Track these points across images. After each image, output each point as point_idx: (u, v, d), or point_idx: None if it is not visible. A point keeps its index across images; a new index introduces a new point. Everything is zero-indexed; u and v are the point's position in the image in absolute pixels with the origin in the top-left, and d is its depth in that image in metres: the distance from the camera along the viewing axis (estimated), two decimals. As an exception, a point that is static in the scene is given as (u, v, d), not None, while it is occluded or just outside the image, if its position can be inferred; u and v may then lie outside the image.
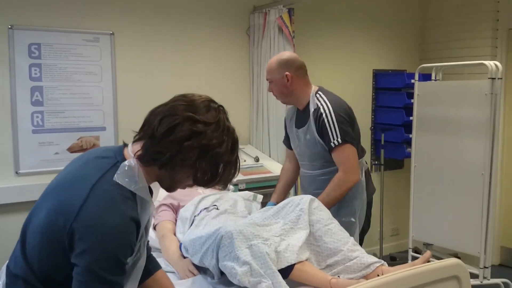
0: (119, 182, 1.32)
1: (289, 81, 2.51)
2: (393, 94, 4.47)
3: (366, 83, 4.58)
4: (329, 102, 2.49)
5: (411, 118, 3.89)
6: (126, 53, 3.32)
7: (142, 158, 1.36)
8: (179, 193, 2.60)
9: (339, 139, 2.42)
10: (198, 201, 2.44)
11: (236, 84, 3.82)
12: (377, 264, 1.96)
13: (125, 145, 1.43)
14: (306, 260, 1.97)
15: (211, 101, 1.44)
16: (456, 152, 3.56)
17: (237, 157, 1.43)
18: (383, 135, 4.33)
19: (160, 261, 2.24)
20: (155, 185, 1.46)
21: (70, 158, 3.12)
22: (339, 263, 1.99)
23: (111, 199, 1.30)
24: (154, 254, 2.38)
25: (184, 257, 2.15)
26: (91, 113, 3.22)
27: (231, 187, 3.02)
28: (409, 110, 4.06)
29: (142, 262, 1.52)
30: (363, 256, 1.98)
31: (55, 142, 3.12)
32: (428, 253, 1.98)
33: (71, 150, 3.18)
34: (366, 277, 1.92)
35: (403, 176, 4.68)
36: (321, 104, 2.49)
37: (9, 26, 2.89)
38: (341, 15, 4.31)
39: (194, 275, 2.06)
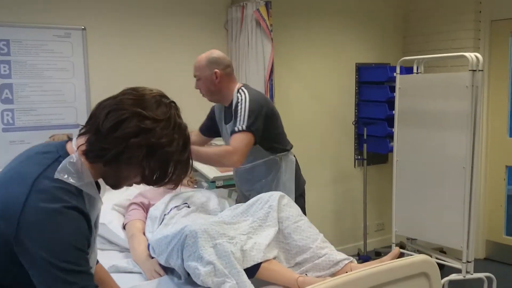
0: (60, 178, 1.24)
1: (217, 78, 2.54)
2: (376, 88, 4.42)
3: (349, 77, 4.53)
4: (248, 95, 2.52)
5: (394, 112, 3.84)
6: (99, 49, 3.25)
7: (86, 154, 1.29)
8: (150, 191, 2.56)
9: (244, 126, 2.41)
10: (169, 199, 2.39)
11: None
12: (346, 261, 1.92)
13: (69, 139, 1.36)
14: (274, 258, 1.92)
15: (162, 96, 1.37)
16: (438, 145, 3.52)
17: (189, 156, 1.36)
18: (365, 129, 4.28)
19: (129, 261, 2.19)
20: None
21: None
22: (308, 261, 1.95)
23: (52, 194, 1.22)
24: (123, 254, 2.35)
25: (152, 257, 2.09)
26: (64, 110, 3.15)
27: (205, 184, 2.96)
28: (392, 104, 4.00)
29: (93, 260, 1.45)
30: (332, 253, 1.94)
31: (27, 140, 3.05)
32: (396, 250, 1.94)
33: (44, 148, 3.10)
34: (335, 274, 1.89)
35: (387, 170, 4.63)
36: (241, 97, 2.52)
37: (-24, 23, 2.81)
38: (321, 7, 4.25)
39: (161, 275, 2.01)
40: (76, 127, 3.15)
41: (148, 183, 1.34)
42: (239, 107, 2.45)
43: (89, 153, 1.29)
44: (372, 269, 1.59)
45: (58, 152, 1.30)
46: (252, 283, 1.78)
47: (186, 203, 2.35)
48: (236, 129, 2.41)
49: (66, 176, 1.25)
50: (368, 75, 4.52)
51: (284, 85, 4.07)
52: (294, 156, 2.77)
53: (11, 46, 2.95)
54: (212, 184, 3.07)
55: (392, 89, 4.07)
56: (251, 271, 1.81)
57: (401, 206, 3.82)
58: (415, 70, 3.75)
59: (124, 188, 2.60)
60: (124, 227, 2.40)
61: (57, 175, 1.24)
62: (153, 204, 2.45)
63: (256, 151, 2.55)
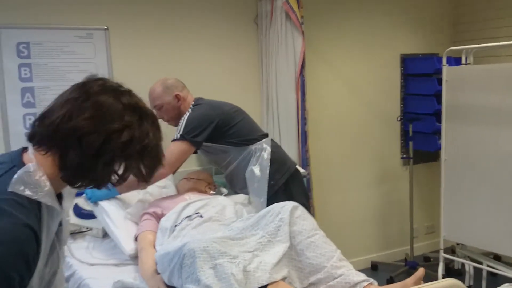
0: (14, 191, 1.12)
1: (180, 100, 2.66)
2: (423, 81, 4.09)
3: (393, 69, 4.22)
4: (192, 110, 2.63)
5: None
6: (122, 49, 3.15)
7: (71, 183, 1.20)
8: (165, 200, 2.43)
9: (178, 134, 2.51)
10: (181, 208, 2.24)
11: (246, 77, 3.58)
12: (365, 284, 1.70)
13: (24, 149, 1.23)
14: (285, 278, 1.72)
15: (124, 93, 1.27)
16: (491, 143, 3.19)
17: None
18: (411, 125, 3.96)
19: (137, 276, 2.07)
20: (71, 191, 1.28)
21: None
22: (322, 282, 1.74)
23: (3, 209, 1.10)
24: (131, 267, 2.23)
25: (158, 273, 1.95)
26: (88, 113, 3.07)
27: (224, 190, 2.79)
28: (441, 97, 3.68)
29: (60, 277, 1.32)
30: (348, 274, 1.72)
31: (51, 143, 2.99)
32: (420, 271, 1.69)
33: (68, 152, 3.04)
34: (351, 298, 1.65)
35: (438, 169, 4.30)
36: (187, 113, 2.62)
37: (-4, 25, 2.77)
38: (360, -5, 3.97)
39: (165, 293, 1.86)
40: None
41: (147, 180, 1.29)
42: (181, 119, 2.57)
43: (72, 179, 1.20)
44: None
45: (12, 162, 1.18)
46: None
47: (198, 213, 2.19)
48: (174, 137, 2.53)
49: (22, 187, 1.13)
50: (414, 67, 4.20)
51: (318, 80, 3.84)
52: (272, 141, 2.76)
53: (31, 48, 2.89)
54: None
55: (441, 81, 3.75)
56: (255, 294, 1.62)
57: (450, 209, 3.51)
58: (463, 61, 3.42)
59: (136, 197, 2.50)
60: (136, 239, 2.27)
61: (11, 188, 1.12)
62: (166, 214, 2.30)
63: (229, 153, 2.64)
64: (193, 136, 2.50)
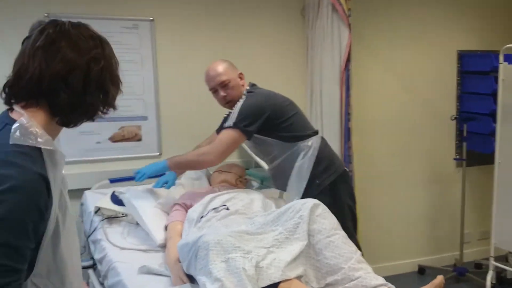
0: (18, 143, 1.14)
1: (242, 80, 2.58)
2: (480, 79, 3.88)
3: (449, 66, 4.02)
4: (246, 98, 2.50)
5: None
6: (167, 40, 3.19)
7: (70, 123, 1.26)
8: (195, 192, 2.45)
9: (231, 123, 2.40)
10: (209, 200, 2.24)
11: (291, 70, 3.54)
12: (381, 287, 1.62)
13: (9, 109, 1.25)
14: (301, 277, 1.68)
15: (80, 27, 1.29)
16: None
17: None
18: (465, 125, 3.77)
19: (162, 264, 2.12)
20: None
21: (112, 147, 3.17)
22: (339, 283, 1.69)
23: (5, 159, 1.12)
24: (159, 254, 2.27)
25: (180, 262, 1.97)
26: (132, 103, 3.15)
27: (255, 184, 2.77)
28: (498, 96, 3.48)
29: (70, 226, 1.31)
30: (366, 277, 1.66)
31: (96, 131, 3.09)
32: (439, 278, 1.60)
33: (113, 139, 3.14)
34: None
35: (493, 172, 4.07)
36: (241, 100, 2.51)
37: (45, 15, 2.87)
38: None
39: (184, 282, 1.87)
40: (145, 119, 3.20)
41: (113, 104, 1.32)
42: (234, 106, 2.46)
43: (68, 120, 1.25)
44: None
45: (3, 122, 1.21)
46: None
47: (225, 205, 2.19)
48: (226, 125, 2.43)
49: (22, 138, 1.16)
50: (472, 64, 3.99)
51: (366, 75, 3.74)
52: (321, 139, 2.63)
53: (80, 38, 2.99)
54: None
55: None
56: (267, 291, 1.60)
57: (502, 215, 3.34)
58: (522, 59, 3.21)
59: (171, 188, 2.54)
60: (166, 228, 2.31)
61: (12, 140, 1.14)
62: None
63: (276, 147, 2.53)
64: (245, 125, 2.39)
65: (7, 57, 2.72)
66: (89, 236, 2.51)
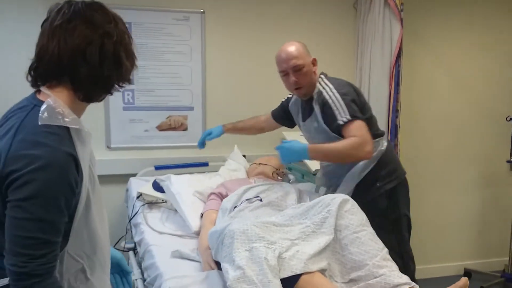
0: (46, 123, 1.22)
1: (315, 66, 2.38)
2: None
3: (507, 65, 3.85)
4: (331, 84, 2.32)
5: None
6: (216, 32, 3.25)
7: (91, 98, 1.34)
8: (231, 182, 2.50)
9: (348, 116, 2.19)
10: (243, 191, 2.28)
11: (341, 63, 3.49)
12: (406, 287, 1.59)
13: (37, 91, 1.33)
14: (324, 271, 1.68)
15: (93, 4, 1.35)
16: None
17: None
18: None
19: (194, 249, 2.18)
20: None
21: (159, 135, 3.27)
22: (362, 279, 1.68)
23: (35, 138, 1.20)
24: (193, 241, 2.33)
25: (211, 249, 2.02)
26: (180, 93, 3.24)
27: (291, 176, 2.77)
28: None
29: (99, 198, 1.41)
30: (389, 275, 1.63)
31: (145, 119, 3.20)
32: (462, 281, 1.55)
33: (160, 128, 3.24)
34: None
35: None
36: (323, 88, 2.31)
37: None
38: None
39: (212, 268, 1.92)
40: (191, 109, 3.27)
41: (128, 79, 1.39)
42: (330, 101, 2.24)
43: (90, 95, 1.33)
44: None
45: (32, 103, 1.29)
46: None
47: (258, 196, 2.22)
48: (341, 122, 2.19)
49: (50, 118, 1.24)
50: (534, 62, 3.78)
51: (418, 72, 3.64)
52: (388, 141, 2.49)
53: (132, 28, 3.09)
54: (313, 177, 2.87)
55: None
56: (289, 282, 1.61)
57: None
58: None
59: (207, 177, 2.62)
60: (201, 216, 2.37)
61: (41, 121, 1.22)
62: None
63: None
64: (359, 114, 2.23)
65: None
66: (130, 219, 2.62)
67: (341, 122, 2.19)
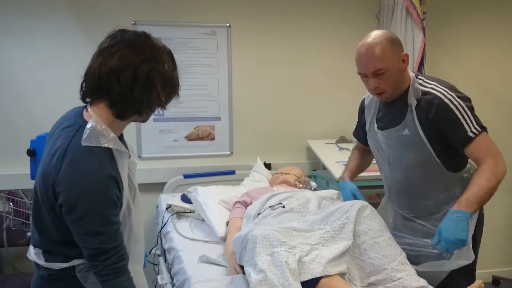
0: (88, 144, 1.41)
1: (404, 63, 1.93)
2: None
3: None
4: (444, 86, 1.90)
5: None
6: (242, 45, 3.36)
7: (123, 116, 1.47)
8: (255, 191, 2.60)
9: (477, 127, 1.85)
10: (266, 199, 2.36)
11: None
12: (419, 288, 1.65)
13: (84, 107, 1.50)
14: (344, 275, 1.75)
15: (135, 33, 1.48)
16: None
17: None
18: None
19: (221, 254, 2.27)
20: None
21: (188, 145, 3.40)
22: (381, 283, 1.74)
23: (79, 163, 1.39)
24: (220, 246, 2.43)
25: (237, 254, 2.11)
26: (207, 104, 3.35)
27: (313, 184, 2.84)
28: None
29: (138, 203, 1.63)
30: (407, 279, 1.69)
31: (174, 130, 3.33)
32: (477, 283, 1.59)
33: (189, 138, 3.36)
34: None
35: None
36: (436, 90, 1.88)
37: (133, 22, 3.16)
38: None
39: (238, 273, 2.01)
40: (218, 119, 3.39)
41: (165, 106, 1.53)
42: (454, 109, 1.84)
43: (126, 114, 1.47)
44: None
45: (78, 123, 1.46)
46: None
47: (281, 203, 2.30)
48: (471, 134, 1.85)
49: (93, 139, 1.42)
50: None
51: (443, 79, 3.63)
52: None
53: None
54: (338, 184, 2.93)
55: None
56: (309, 286, 1.69)
57: None
58: None
59: (233, 188, 2.77)
60: (227, 224, 2.47)
61: (84, 142, 1.41)
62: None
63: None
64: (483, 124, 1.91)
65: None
66: (161, 229, 2.74)
67: (471, 135, 1.85)
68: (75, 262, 1.50)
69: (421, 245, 2.04)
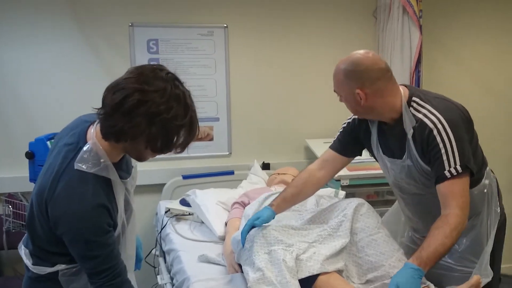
0: (78, 168, 1.42)
1: (362, 99, 1.77)
2: None
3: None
4: (438, 112, 1.73)
5: None
6: (239, 45, 3.36)
7: (104, 135, 1.44)
8: (253, 191, 2.61)
9: (458, 167, 1.69)
10: (264, 198, 2.37)
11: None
12: (421, 286, 1.65)
13: (92, 123, 1.51)
14: (341, 272, 1.76)
15: (160, 69, 1.45)
16: None
17: (192, 120, 1.44)
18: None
19: (220, 254, 2.28)
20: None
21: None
22: (378, 279, 1.75)
23: (73, 189, 1.42)
24: (218, 246, 2.43)
25: (235, 253, 2.12)
26: (205, 105, 3.35)
27: None
28: None
29: (133, 223, 1.67)
30: (404, 275, 1.67)
31: (173, 131, 3.33)
32: (475, 278, 1.59)
33: (188, 139, 3.36)
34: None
35: None
36: (427, 118, 1.74)
37: (130, 24, 3.16)
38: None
39: (236, 271, 2.02)
40: (217, 120, 3.39)
41: (157, 151, 1.46)
42: (439, 139, 1.70)
43: (105, 134, 1.43)
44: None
45: (79, 143, 1.47)
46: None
47: (279, 203, 2.30)
48: (447, 173, 1.69)
49: (84, 166, 1.43)
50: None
51: (440, 76, 3.67)
52: (493, 172, 2.01)
53: (159, 45, 3.24)
54: (337, 183, 2.94)
55: None
56: (307, 283, 1.69)
57: None
58: None
59: (231, 190, 2.78)
60: (226, 224, 2.48)
61: (76, 166, 1.43)
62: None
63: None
64: (470, 161, 1.74)
65: (95, 61, 3.06)
66: (160, 230, 2.74)
67: (447, 174, 1.69)
68: (58, 267, 1.53)
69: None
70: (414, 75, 3.25)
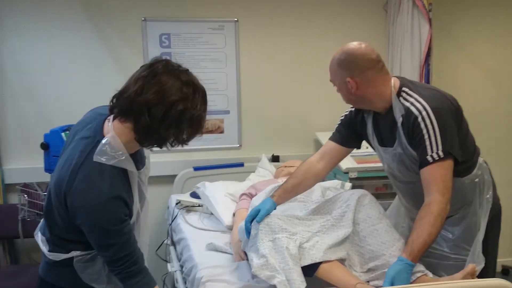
0: (98, 160, 1.47)
1: (353, 88, 1.86)
2: None
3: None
4: (424, 100, 1.79)
5: None
6: (249, 39, 3.41)
7: (143, 144, 1.52)
8: (261, 183, 2.67)
9: (440, 152, 1.74)
10: (271, 190, 2.41)
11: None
12: (419, 274, 1.71)
13: (107, 116, 1.55)
14: (344, 261, 1.80)
15: (182, 72, 1.51)
16: None
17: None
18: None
19: (227, 243, 2.35)
20: None
21: (196, 138, 3.43)
22: (379, 268, 1.79)
23: (91, 183, 1.47)
24: (225, 235, 2.50)
25: (242, 242, 2.17)
26: (216, 98, 3.41)
27: None
28: None
29: (146, 210, 1.74)
30: (405, 264, 1.71)
31: (184, 124, 3.40)
32: (470, 267, 1.62)
33: (199, 131, 3.43)
34: (406, 287, 1.65)
35: None
36: (414, 106, 1.80)
37: (142, 19, 3.23)
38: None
39: (243, 259, 2.07)
40: (227, 112, 3.44)
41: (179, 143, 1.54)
42: (423, 125, 1.76)
43: (147, 143, 1.51)
44: (439, 285, 1.50)
45: (96, 137, 1.52)
46: (310, 282, 1.71)
47: (285, 193, 2.35)
48: (429, 158, 1.75)
49: (104, 158, 1.48)
50: None
51: (450, 70, 3.67)
52: (485, 162, 2.05)
53: (171, 39, 3.30)
54: (346, 175, 2.97)
55: None
56: (309, 270, 1.74)
57: None
58: None
59: (239, 183, 2.85)
60: (234, 215, 2.54)
61: (95, 158, 1.48)
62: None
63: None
64: (456, 147, 1.79)
65: (108, 55, 3.13)
66: (171, 222, 2.82)
67: (429, 158, 1.75)
68: (73, 253, 1.59)
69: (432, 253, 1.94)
70: (424, 68, 3.26)
